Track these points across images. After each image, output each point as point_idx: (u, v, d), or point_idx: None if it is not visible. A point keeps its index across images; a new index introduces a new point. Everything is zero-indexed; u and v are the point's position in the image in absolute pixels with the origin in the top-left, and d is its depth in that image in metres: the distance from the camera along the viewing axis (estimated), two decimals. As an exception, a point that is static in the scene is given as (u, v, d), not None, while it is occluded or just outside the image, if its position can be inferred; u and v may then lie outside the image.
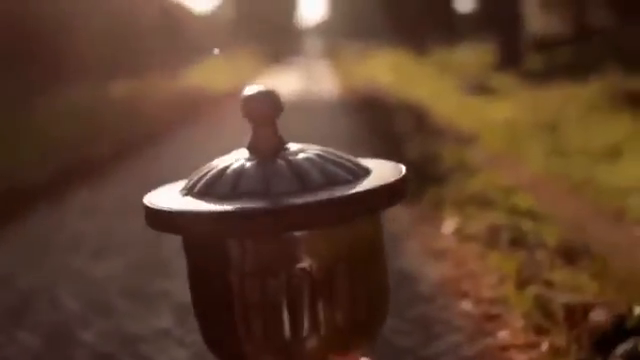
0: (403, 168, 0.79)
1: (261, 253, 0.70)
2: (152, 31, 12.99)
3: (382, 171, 0.79)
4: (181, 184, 0.82)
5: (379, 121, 6.72)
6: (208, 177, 0.76)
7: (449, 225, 3.27)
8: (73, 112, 7.20)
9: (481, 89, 8.22)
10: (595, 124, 5.00)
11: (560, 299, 1.98)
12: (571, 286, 2.08)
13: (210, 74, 12.71)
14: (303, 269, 0.70)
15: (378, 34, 22.96)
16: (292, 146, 0.80)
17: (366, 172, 0.78)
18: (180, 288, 2.32)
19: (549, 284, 2.20)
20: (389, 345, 2.08)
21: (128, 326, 2.34)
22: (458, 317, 2.25)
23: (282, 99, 0.78)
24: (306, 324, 0.70)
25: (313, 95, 10.81)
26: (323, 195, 0.70)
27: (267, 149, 0.77)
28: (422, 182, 4.07)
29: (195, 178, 0.78)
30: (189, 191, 0.77)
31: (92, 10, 10.33)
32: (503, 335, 2.07)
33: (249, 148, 0.79)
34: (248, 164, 0.76)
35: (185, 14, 19.37)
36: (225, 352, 0.75)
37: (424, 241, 3.18)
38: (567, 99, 6.08)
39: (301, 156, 0.76)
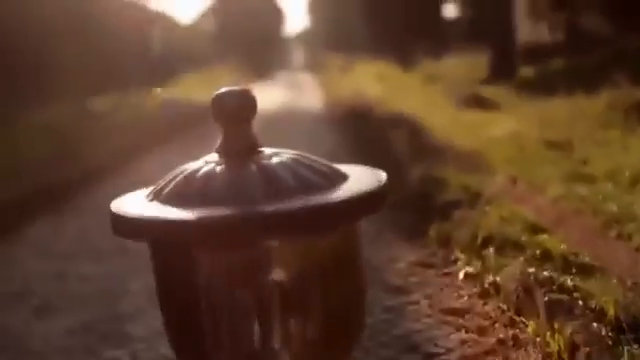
0: (383, 175, 0.74)
1: (229, 262, 0.66)
2: (136, 45, 12.60)
3: (360, 177, 0.73)
4: (147, 190, 0.78)
5: (368, 139, 6.15)
6: (176, 181, 0.72)
7: (464, 274, 2.70)
8: (48, 129, 6.77)
9: (475, 102, 7.69)
10: (613, 143, 4.46)
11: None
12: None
13: (190, 88, 12.13)
14: (274, 280, 0.66)
15: (361, 46, 22.47)
16: (266, 149, 0.75)
17: (343, 178, 0.72)
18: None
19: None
20: None
21: None
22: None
23: (256, 99, 0.73)
24: (277, 336, 0.65)
25: (297, 110, 10.24)
26: (297, 202, 0.64)
27: (238, 151, 0.72)
28: (424, 215, 3.50)
29: (163, 183, 0.75)
30: (156, 196, 0.73)
31: (76, 25, 9.92)
32: None
33: (219, 150, 0.74)
34: (218, 168, 0.71)
35: (170, 25, 18.77)
36: None
37: (434, 295, 2.59)
38: (574, 113, 5.56)
39: (274, 160, 0.71)
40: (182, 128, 8.67)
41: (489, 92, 8.19)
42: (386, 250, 3.17)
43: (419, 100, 8.41)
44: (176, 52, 15.91)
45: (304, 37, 45.87)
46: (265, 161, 0.72)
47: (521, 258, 2.53)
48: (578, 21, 11.75)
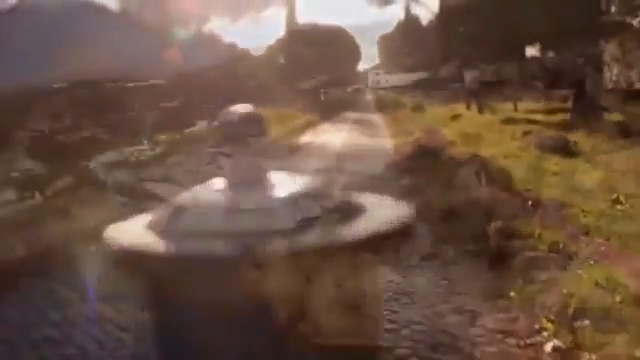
0: (407, 213, 0.88)
1: (221, 292, 0.76)
2: (217, 81, 12.86)
3: (375, 213, 0.80)
4: (147, 217, 0.88)
5: (440, 184, 5.78)
6: (175, 210, 0.80)
7: (552, 347, 2.33)
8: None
9: (559, 147, 7.20)
10: None
11: None
12: None
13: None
14: (267, 309, 0.79)
15: (433, 85, 22.05)
16: (274, 176, 0.82)
17: (357, 212, 0.77)
18: None
19: None
20: None
21: None
22: None
23: (266, 122, 0.86)
24: None
25: (367, 151, 9.97)
26: (293, 243, 0.69)
27: (245, 178, 0.79)
28: (505, 273, 3.13)
29: (163, 210, 0.84)
30: (153, 226, 0.80)
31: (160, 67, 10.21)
32: None
33: (227, 176, 0.83)
34: (219, 196, 0.77)
35: (243, 55, 18.92)
36: None
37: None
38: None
39: (279, 189, 0.76)
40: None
41: (574, 137, 7.68)
42: (459, 311, 2.82)
43: (497, 144, 7.99)
44: (245, 84, 16.05)
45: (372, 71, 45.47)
46: (268, 190, 0.75)
47: (625, 335, 2.14)
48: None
